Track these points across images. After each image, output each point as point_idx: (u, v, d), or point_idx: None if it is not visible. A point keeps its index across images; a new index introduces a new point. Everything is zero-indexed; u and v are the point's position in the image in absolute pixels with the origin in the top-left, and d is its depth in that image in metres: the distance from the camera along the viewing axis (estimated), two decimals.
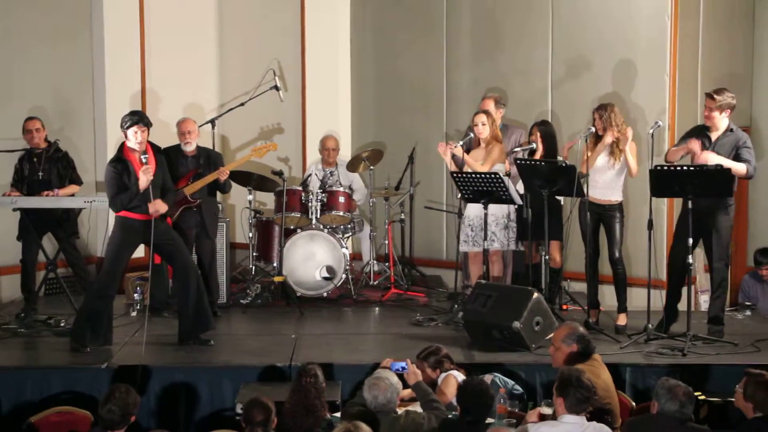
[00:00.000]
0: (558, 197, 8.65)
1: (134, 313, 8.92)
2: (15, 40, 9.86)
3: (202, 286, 7.94)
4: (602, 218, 8.26)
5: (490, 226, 8.69)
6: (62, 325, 8.37)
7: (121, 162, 7.59)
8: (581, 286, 8.89)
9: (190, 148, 8.91)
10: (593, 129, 8.19)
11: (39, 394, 7.13)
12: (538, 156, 8.74)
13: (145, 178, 7.51)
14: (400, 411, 5.75)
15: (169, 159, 8.60)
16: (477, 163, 8.74)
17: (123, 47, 10.50)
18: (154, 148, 7.87)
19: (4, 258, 9.51)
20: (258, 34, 11.28)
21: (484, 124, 8.83)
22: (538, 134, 8.82)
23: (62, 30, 10.17)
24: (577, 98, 9.53)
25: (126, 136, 7.59)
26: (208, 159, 8.98)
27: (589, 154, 8.19)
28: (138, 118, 7.56)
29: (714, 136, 7.89)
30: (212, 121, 9.95)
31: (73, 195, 8.78)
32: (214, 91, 11.36)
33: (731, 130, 7.87)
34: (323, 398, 5.91)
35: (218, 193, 9.20)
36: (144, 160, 7.53)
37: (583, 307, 8.61)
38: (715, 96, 7.84)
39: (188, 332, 7.88)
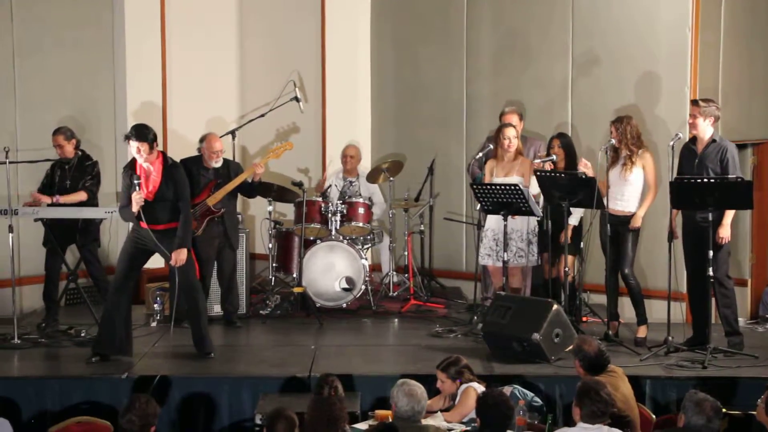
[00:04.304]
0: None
1: (154, 324, 8.95)
2: (39, 53, 9.92)
3: (196, 305, 7.86)
4: (618, 229, 8.24)
5: (516, 242, 8.69)
6: (83, 335, 8.41)
7: (130, 168, 7.64)
8: (601, 298, 8.86)
9: (218, 165, 8.94)
10: (613, 141, 8.18)
11: (59, 404, 7.17)
12: (557, 168, 8.74)
13: (135, 204, 7.51)
14: (424, 422, 5.75)
15: (189, 171, 8.64)
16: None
17: (144, 59, 10.55)
18: (167, 162, 7.70)
19: (26, 268, 9.53)
20: (278, 46, 11.32)
21: (515, 137, 8.82)
22: (557, 146, 8.81)
23: (85, 43, 10.22)
24: (597, 110, 9.50)
25: None
26: (228, 169, 9.01)
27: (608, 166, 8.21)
28: (129, 133, 7.56)
29: (699, 147, 7.88)
30: (233, 132, 10.02)
31: (80, 202, 8.70)
32: (234, 103, 11.41)
33: (714, 140, 7.83)
34: (345, 409, 5.90)
35: (237, 205, 9.23)
36: (136, 186, 7.54)
37: (602, 319, 8.58)
38: (701, 103, 7.84)
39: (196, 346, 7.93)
